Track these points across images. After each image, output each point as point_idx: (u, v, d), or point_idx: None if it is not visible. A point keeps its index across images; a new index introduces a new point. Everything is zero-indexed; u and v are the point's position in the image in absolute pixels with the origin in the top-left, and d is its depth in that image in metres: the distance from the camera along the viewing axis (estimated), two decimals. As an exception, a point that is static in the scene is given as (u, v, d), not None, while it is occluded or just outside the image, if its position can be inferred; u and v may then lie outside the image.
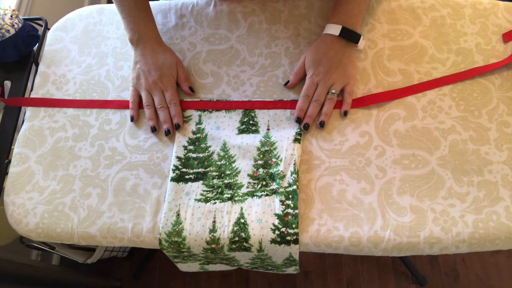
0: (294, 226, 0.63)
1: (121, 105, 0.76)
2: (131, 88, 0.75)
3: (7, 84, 0.83)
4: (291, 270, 0.71)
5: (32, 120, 0.77)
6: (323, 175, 0.67)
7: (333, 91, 0.70)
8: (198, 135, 0.72)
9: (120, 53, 0.81)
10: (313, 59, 0.71)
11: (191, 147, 0.71)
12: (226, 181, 0.68)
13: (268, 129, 0.71)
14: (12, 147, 0.76)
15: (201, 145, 0.71)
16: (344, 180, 0.66)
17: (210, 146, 0.71)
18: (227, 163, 0.69)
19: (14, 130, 0.77)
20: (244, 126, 0.72)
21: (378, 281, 1.33)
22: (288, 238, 0.62)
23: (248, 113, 0.73)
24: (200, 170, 0.69)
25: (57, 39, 0.85)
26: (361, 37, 0.71)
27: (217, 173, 0.69)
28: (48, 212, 0.69)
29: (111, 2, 0.78)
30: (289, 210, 0.64)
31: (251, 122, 0.72)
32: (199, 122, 0.73)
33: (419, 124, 0.68)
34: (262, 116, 0.72)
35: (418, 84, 0.71)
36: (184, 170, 0.69)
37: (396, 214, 0.63)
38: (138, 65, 0.74)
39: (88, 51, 0.82)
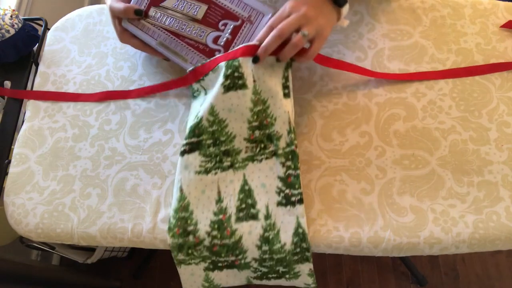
0: (297, 186, 0.62)
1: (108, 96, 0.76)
2: None
3: (7, 84, 0.83)
4: (306, 275, 0.64)
5: (32, 120, 0.77)
6: (323, 176, 0.67)
7: (306, 32, 0.58)
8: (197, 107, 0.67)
9: (120, 53, 0.81)
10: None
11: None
12: (222, 148, 0.64)
13: (254, 81, 0.63)
14: (12, 147, 0.76)
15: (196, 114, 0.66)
16: (344, 181, 0.66)
17: (198, 112, 0.66)
18: (219, 129, 0.65)
19: (14, 130, 0.78)
20: (229, 81, 0.63)
21: (378, 281, 1.33)
22: (293, 199, 0.62)
23: (231, 64, 0.63)
24: (193, 139, 0.65)
25: (57, 39, 0.85)
26: (347, 7, 0.63)
27: (211, 141, 0.65)
28: (48, 212, 0.69)
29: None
30: (291, 171, 0.63)
31: (235, 74, 0.63)
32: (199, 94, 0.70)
33: (419, 124, 0.68)
34: (246, 66, 0.63)
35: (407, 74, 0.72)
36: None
37: (396, 215, 0.63)
38: None
39: (88, 51, 0.82)
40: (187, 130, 0.66)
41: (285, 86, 0.65)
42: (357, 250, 0.62)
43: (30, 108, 0.78)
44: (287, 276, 0.64)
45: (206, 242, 0.63)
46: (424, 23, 0.76)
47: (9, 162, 0.74)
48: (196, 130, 0.65)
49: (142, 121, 0.74)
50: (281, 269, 0.63)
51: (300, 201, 0.62)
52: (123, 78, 0.78)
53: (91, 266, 1.20)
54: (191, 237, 0.63)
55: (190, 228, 0.63)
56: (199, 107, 0.66)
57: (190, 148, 0.65)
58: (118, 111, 0.76)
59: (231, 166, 0.64)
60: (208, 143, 0.65)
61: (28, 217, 0.69)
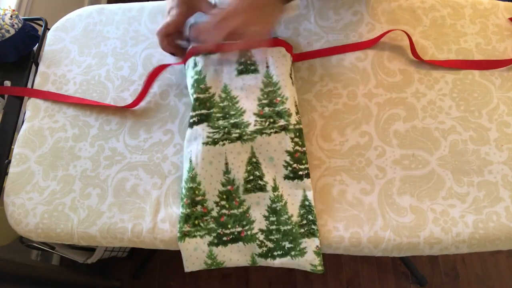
0: (304, 162, 0.65)
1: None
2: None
3: (7, 84, 0.83)
4: (312, 252, 0.61)
5: (32, 121, 0.77)
6: (323, 176, 0.67)
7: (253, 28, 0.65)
8: (196, 77, 0.70)
9: (120, 53, 0.81)
10: None
11: (190, 90, 0.70)
12: (232, 121, 0.66)
13: (267, 67, 0.69)
14: (12, 147, 0.76)
15: (200, 86, 0.69)
16: (344, 181, 0.66)
17: (210, 88, 0.69)
18: (230, 104, 0.67)
19: (14, 130, 0.77)
20: (242, 67, 0.70)
21: (378, 281, 1.33)
22: (300, 173, 0.64)
23: (244, 53, 0.71)
24: (203, 111, 0.67)
25: (57, 39, 0.85)
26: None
27: (221, 115, 0.66)
28: (48, 212, 0.69)
29: (111, 2, 0.78)
30: (298, 148, 0.65)
31: (248, 62, 0.70)
32: (195, 65, 0.71)
33: (419, 124, 0.68)
34: (259, 55, 0.70)
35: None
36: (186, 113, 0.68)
37: (396, 215, 0.63)
38: None
39: (88, 51, 0.82)
40: (196, 102, 0.68)
41: (291, 77, 0.70)
42: (357, 250, 0.62)
43: (30, 108, 0.78)
44: (292, 253, 0.61)
45: (214, 213, 0.64)
46: (424, 23, 0.76)
47: (9, 162, 0.74)
48: (208, 103, 0.68)
49: (142, 121, 0.74)
50: (286, 244, 0.62)
51: (307, 175, 0.64)
52: (123, 78, 0.78)
53: (91, 266, 1.20)
54: (199, 207, 0.64)
55: (198, 198, 0.64)
56: (207, 81, 0.70)
57: (199, 119, 0.67)
58: (118, 111, 0.76)
59: (239, 138, 0.65)
60: (217, 116, 0.67)
61: (28, 217, 0.69)
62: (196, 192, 0.64)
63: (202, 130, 0.66)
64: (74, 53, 0.82)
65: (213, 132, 0.65)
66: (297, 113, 0.68)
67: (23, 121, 0.78)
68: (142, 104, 0.76)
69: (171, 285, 1.39)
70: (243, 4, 0.63)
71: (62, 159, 0.73)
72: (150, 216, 0.67)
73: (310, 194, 0.64)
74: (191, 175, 0.65)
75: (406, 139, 0.68)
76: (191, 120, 0.67)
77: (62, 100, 0.77)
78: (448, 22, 0.76)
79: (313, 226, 0.62)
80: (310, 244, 0.61)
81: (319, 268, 0.61)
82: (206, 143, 0.65)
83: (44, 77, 0.81)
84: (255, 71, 0.70)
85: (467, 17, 0.76)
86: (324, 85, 0.73)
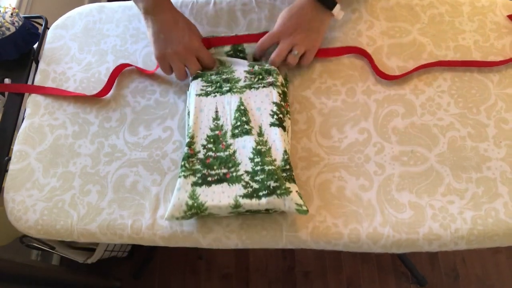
0: (289, 117, 0.70)
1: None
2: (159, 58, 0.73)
3: (8, 81, 0.83)
4: (296, 192, 0.62)
5: (32, 118, 0.77)
6: (322, 172, 0.67)
7: (296, 52, 0.71)
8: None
9: (119, 51, 0.81)
10: (283, 15, 0.72)
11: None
12: (224, 77, 0.72)
13: (255, 60, 0.77)
14: (12, 146, 0.77)
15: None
16: (343, 177, 0.66)
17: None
18: (223, 66, 0.75)
19: (14, 127, 0.78)
20: (232, 52, 0.77)
21: (378, 281, 1.33)
22: (285, 124, 0.67)
23: (236, 47, 0.76)
24: (198, 71, 0.74)
25: (57, 37, 0.85)
26: (338, 6, 0.70)
27: (214, 71, 0.74)
28: (48, 209, 0.69)
29: (111, 0, 0.79)
30: (284, 103, 0.69)
31: (239, 48, 0.76)
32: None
33: (418, 121, 0.69)
34: (250, 51, 0.76)
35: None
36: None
37: (395, 211, 0.63)
38: (162, 35, 0.72)
39: (88, 49, 0.83)
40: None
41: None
42: (356, 246, 0.63)
43: (30, 105, 0.78)
44: (278, 191, 0.61)
45: (201, 155, 0.66)
46: (423, 21, 0.76)
47: (9, 159, 0.74)
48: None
49: (141, 118, 0.75)
50: (272, 183, 0.61)
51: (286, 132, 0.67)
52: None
53: (91, 266, 1.20)
54: (186, 149, 0.66)
55: (187, 140, 0.67)
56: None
57: (194, 76, 0.73)
58: (118, 108, 0.76)
59: (229, 90, 0.70)
60: (211, 73, 0.74)
61: (28, 213, 0.69)
62: (190, 136, 0.67)
63: (197, 84, 0.72)
64: (74, 51, 0.83)
65: (206, 86, 0.71)
66: (285, 79, 0.74)
67: (23, 119, 0.78)
68: (142, 101, 0.76)
69: (171, 285, 1.39)
70: (288, 26, 0.71)
71: (62, 156, 0.73)
72: (149, 213, 0.67)
73: (289, 147, 0.67)
74: (188, 124, 0.69)
75: (405, 135, 0.68)
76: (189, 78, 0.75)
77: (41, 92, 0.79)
78: (446, 19, 0.76)
79: (293, 174, 0.64)
80: (293, 188, 0.62)
81: (304, 208, 0.60)
82: (199, 95, 0.70)
83: (44, 74, 0.81)
84: (244, 58, 0.76)
85: (465, 15, 0.76)
86: (323, 82, 0.74)
